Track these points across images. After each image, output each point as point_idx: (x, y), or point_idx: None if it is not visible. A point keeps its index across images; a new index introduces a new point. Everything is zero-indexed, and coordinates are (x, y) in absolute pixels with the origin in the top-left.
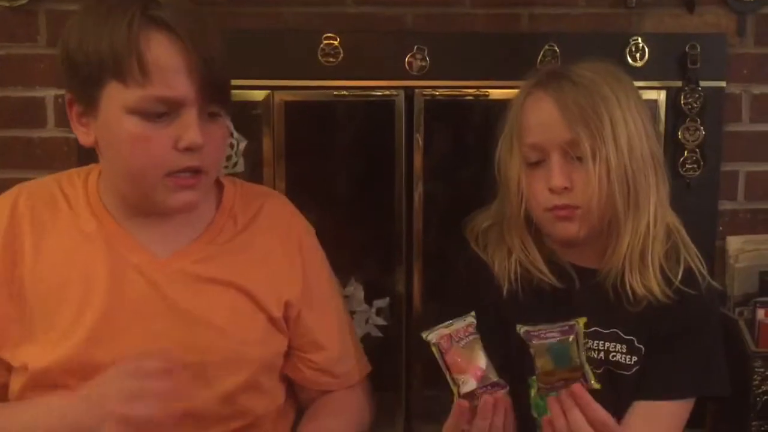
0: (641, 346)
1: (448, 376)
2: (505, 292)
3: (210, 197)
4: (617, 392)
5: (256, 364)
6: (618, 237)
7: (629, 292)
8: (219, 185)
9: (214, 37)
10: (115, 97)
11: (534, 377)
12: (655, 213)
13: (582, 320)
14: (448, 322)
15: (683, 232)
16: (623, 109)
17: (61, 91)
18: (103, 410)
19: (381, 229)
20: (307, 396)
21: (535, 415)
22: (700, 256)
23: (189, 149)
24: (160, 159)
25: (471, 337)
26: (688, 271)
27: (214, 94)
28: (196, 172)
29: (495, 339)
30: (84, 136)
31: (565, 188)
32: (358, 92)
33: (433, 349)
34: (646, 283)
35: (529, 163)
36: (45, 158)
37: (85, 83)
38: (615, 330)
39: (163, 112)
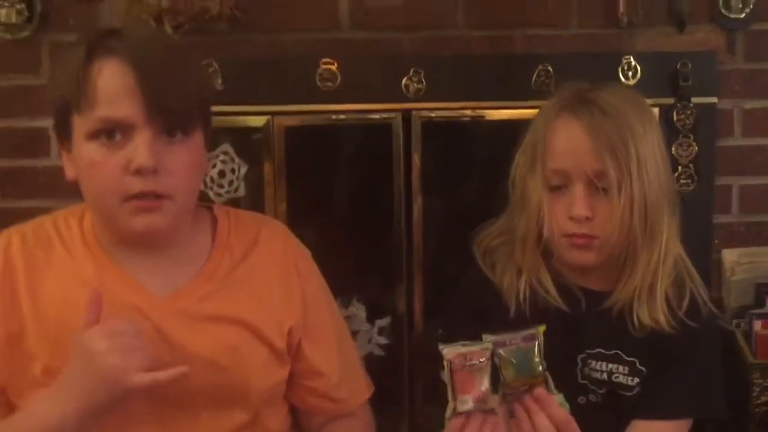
0: (643, 368)
1: (449, 392)
2: (512, 312)
3: (205, 231)
4: (619, 412)
5: (258, 399)
6: (632, 268)
7: (635, 321)
8: (213, 218)
9: (173, 62)
10: (77, 127)
11: (500, 394)
12: (666, 246)
13: (542, 328)
14: (466, 342)
15: (688, 262)
16: (649, 144)
17: None
18: (119, 382)
19: (381, 249)
20: (309, 423)
21: None
22: (703, 285)
23: (139, 172)
24: (114, 183)
25: (482, 362)
26: (692, 301)
27: (167, 117)
28: (157, 196)
29: None
30: (69, 170)
31: (587, 218)
32: (356, 116)
33: (445, 363)
34: (653, 314)
35: (551, 186)
36: (49, 187)
37: (59, 118)
38: (617, 351)
39: (113, 133)
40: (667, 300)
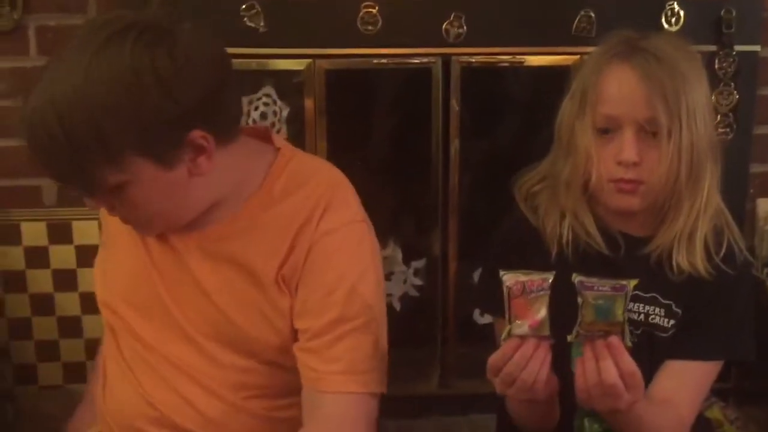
0: (678, 310)
1: (507, 317)
2: (554, 255)
3: (259, 168)
4: (654, 353)
5: (260, 349)
6: (675, 215)
7: (674, 265)
8: (274, 156)
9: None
10: None
11: (575, 333)
12: (708, 194)
13: (633, 282)
14: (527, 271)
15: (726, 211)
16: (699, 92)
17: None
18: None
19: (418, 192)
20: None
21: (573, 370)
22: (740, 234)
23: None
24: None
25: (542, 292)
26: (729, 248)
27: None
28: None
29: None
30: None
31: (635, 163)
32: (397, 60)
33: (504, 289)
34: (692, 260)
35: (600, 130)
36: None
37: None
38: (654, 295)
39: None
40: (706, 247)
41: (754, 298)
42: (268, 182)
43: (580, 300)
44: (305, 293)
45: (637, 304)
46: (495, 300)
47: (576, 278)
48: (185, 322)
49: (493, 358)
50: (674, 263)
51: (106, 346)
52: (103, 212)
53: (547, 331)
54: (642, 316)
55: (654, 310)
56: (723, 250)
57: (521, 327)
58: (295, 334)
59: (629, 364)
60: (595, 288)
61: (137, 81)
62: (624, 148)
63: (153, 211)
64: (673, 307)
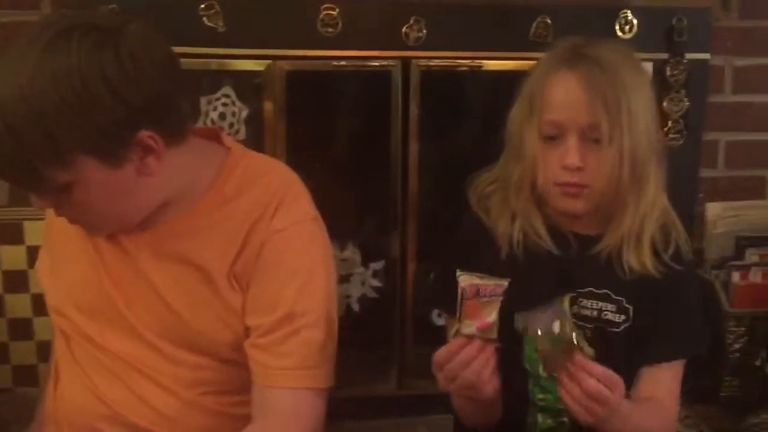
0: (629, 306)
1: (457, 315)
2: (504, 254)
3: (209, 167)
4: (607, 347)
5: (211, 348)
6: (621, 216)
7: (625, 265)
8: (224, 157)
9: None
10: None
11: (543, 372)
12: (653, 196)
13: (567, 299)
14: (483, 275)
15: (674, 214)
16: (641, 99)
17: None
18: None
19: (377, 194)
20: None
21: (527, 367)
22: (686, 234)
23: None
24: None
25: (494, 297)
26: (677, 247)
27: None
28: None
29: None
30: None
31: (578, 168)
32: (356, 62)
33: (459, 290)
34: (641, 259)
35: (545, 137)
36: None
37: None
38: (607, 291)
39: None
40: (654, 246)
41: (700, 294)
42: (219, 182)
43: (529, 336)
44: (256, 290)
45: (590, 301)
46: (452, 300)
47: (519, 320)
48: (137, 322)
49: (439, 354)
50: (624, 263)
51: (56, 348)
52: (49, 214)
53: (494, 335)
54: (595, 312)
55: (606, 306)
56: (671, 249)
57: (470, 327)
58: (247, 332)
59: (599, 368)
60: (537, 319)
61: (83, 81)
62: (568, 154)
63: (101, 212)
64: (624, 303)
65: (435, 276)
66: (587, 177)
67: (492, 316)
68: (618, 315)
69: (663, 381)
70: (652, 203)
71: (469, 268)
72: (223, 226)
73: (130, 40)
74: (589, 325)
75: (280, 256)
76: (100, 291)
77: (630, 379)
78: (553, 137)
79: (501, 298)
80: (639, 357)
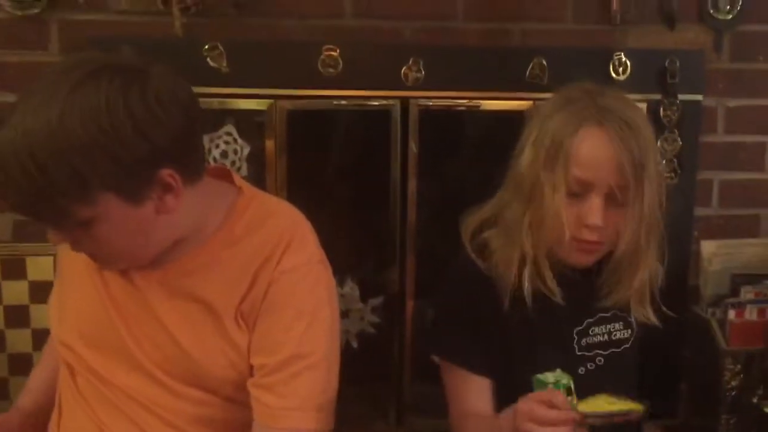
0: (632, 319)
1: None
2: (507, 302)
3: (219, 209)
4: (617, 370)
5: (216, 386)
6: (632, 274)
7: (631, 316)
8: (235, 197)
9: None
10: None
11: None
12: (659, 252)
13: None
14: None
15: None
16: (656, 157)
17: None
18: None
19: (376, 231)
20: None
21: None
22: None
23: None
24: None
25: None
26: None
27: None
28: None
29: (492, 341)
30: None
31: (600, 227)
32: (356, 102)
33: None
34: (645, 313)
35: (569, 192)
36: None
37: None
38: (614, 312)
39: None
40: (652, 295)
41: None
42: (230, 221)
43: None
44: (263, 329)
45: (600, 327)
46: (448, 345)
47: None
48: (143, 357)
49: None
50: (632, 317)
51: (61, 380)
52: (61, 247)
53: None
54: (607, 336)
55: (614, 327)
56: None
57: None
58: (251, 371)
59: None
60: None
61: (111, 120)
62: (592, 213)
63: (118, 247)
64: (628, 317)
65: (431, 320)
66: (605, 235)
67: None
68: (626, 331)
69: None
70: (658, 253)
71: (467, 318)
72: (232, 264)
73: (156, 81)
74: (603, 351)
75: (287, 297)
76: (106, 323)
77: (641, 387)
78: (576, 194)
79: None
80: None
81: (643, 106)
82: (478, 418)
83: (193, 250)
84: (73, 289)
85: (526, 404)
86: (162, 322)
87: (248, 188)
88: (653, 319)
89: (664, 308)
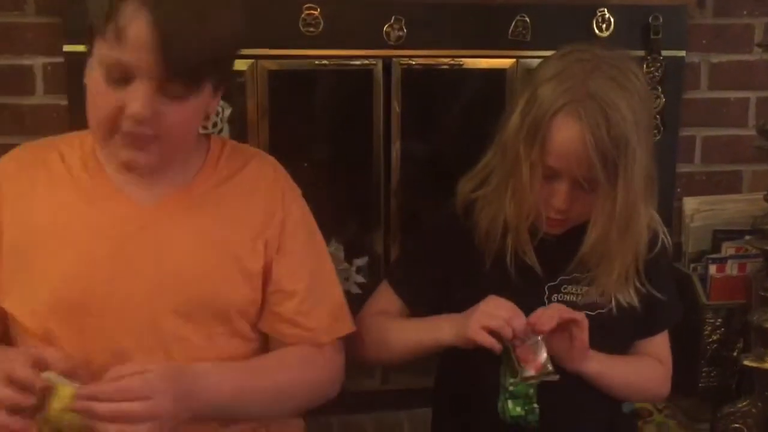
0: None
1: (515, 363)
2: (489, 263)
3: (198, 155)
4: (593, 332)
5: (222, 315)
6: (609, 264)
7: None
8: (208, 146)
9: (195, 17)
10: (97, 49)
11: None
12: (640, 233)
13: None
14: None
15: (657, 218)
16: (640, 144)
17: (50, 60)
18: None
19: (360, 191)
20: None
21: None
22: (663, 225)
23: (132, 118)
24: (108, 115)
25: (535, 337)
26: (662, 247)
27: (175, 73)
28: (147, 137)
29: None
30: (87, 77)
31: (565, 210)
32: (338, 61)
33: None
34: (626, 296)
35: (543, 172)
36: (34, 125)
37: (89, 28)
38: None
39: (118, 75)
40: (638, 274)
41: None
42: (212, 157)
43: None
44: (286, 256)
45: (575, 287)
46: (408, 285)
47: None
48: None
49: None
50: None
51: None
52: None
53: (550, 369)
54: (580, 297)
55: (592, 290)
56: (656, 250)
57: (528, 372)
58: (262, 296)
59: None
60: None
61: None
62: (557, 197)
63: (185, 131)
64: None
65: (399, 257)
66: (572, 215)
67: (542, 356)
68: (602, 297)
69: (656, 348)
70: (638, 240)
71: (439, 259)
72: (236, 197)
73: None
74: (592, 313)
75: (299, 226)
76: (104, 277)
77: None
78: (548, 175)
79: (538, 337)
80: (628, 334)
81: None
82: (394, 317)
83: (188, 181)
84: (43, 259)
85: (491, 303)
86: (172, 253)
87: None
88: (635, 301)
89: (652, 290)
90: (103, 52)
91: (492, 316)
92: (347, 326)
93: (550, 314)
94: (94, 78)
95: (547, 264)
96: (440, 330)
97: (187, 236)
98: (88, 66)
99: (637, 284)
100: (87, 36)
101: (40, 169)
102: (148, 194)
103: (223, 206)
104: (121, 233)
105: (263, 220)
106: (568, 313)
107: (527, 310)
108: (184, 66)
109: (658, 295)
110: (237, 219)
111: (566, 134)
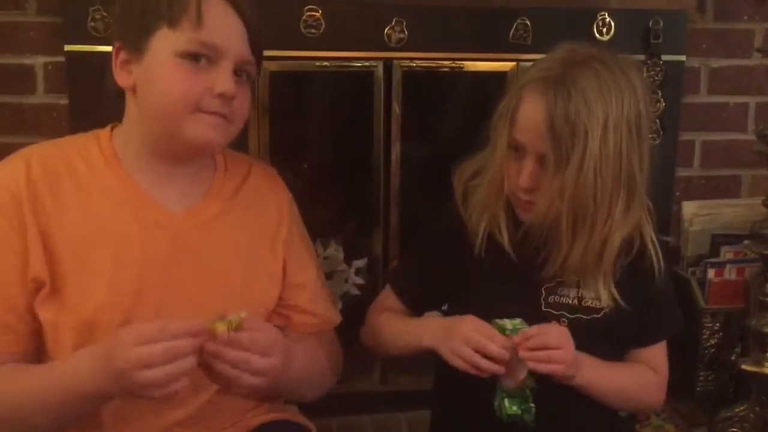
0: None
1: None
2: (476, 250)
3: (207, 161)
4: (588, 335)
5: (262, 309)
6: (569, 249)
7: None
8: None
9: (257, 10)
10: (164, 42)
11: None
12: (609, 233)
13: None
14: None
15: (648, 225)
16: (606, 144)
17: (51, 59)
18: (125, 383)
19: (360, 193)
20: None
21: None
22: (656, 241)
23: (221, 96)
24: (193, 97)
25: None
26: (631, 243)
27: (251, 56)
28: (225, 118)
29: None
30: (125, 79)
31: (529, 188)
32: (339, 63)
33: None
34: (605, 297)
35: (511, 147)
36: (35, 124)
37: (137, 28)
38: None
39: (200, 57)
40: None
41: (671, 275)
42: (220, 162)
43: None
44: (296, 253)
45: (571, 289)
46: (409, 291)
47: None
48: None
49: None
50: (606, 303)
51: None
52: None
53: (531, 384)
54: (576, 300)
55: (586, 294)
56: (634, 252)
57: (509, 383)
58: (292, 292)
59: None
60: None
61: None
62: (521, 173)
63: (245, 117)
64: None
65: (402, 258)
66: (536, 197)
67: (523, 373)
68: (597, 301)
69: (651, 357)
70: (607, 238)
71: (439, 261)
72: (250, 204)
73: None
74: (569, 314)
75: (297, 223)
76: (146, 281)
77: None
78: (517, 149)
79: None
80: (623, 341)
81: None
82: (395, 315)
83: (204, 197)
84: (85, 278)
85: (467, 327)
86: (203, 261)
87: None
88: (618, 298)
89: (618, 298)
90: (182, 40)
91: (469, 341)
92: (338, 316)
93: (537, 341)
94: (168, 68)
95: (545, 264)
96: (421, 337)
97: (221, 245)
98: (145, 62)
99: (612, 289)
100: (133, 33)
101: (64, 179)
102: (175, 199)
103: (242, 213)
104: (166, 245)
105: (275, 222)
106: (546, 368)
107: (524, 312)
108: (259, 45)
109: (623, 303)
110: (255, 225)
111: (528, 106)
